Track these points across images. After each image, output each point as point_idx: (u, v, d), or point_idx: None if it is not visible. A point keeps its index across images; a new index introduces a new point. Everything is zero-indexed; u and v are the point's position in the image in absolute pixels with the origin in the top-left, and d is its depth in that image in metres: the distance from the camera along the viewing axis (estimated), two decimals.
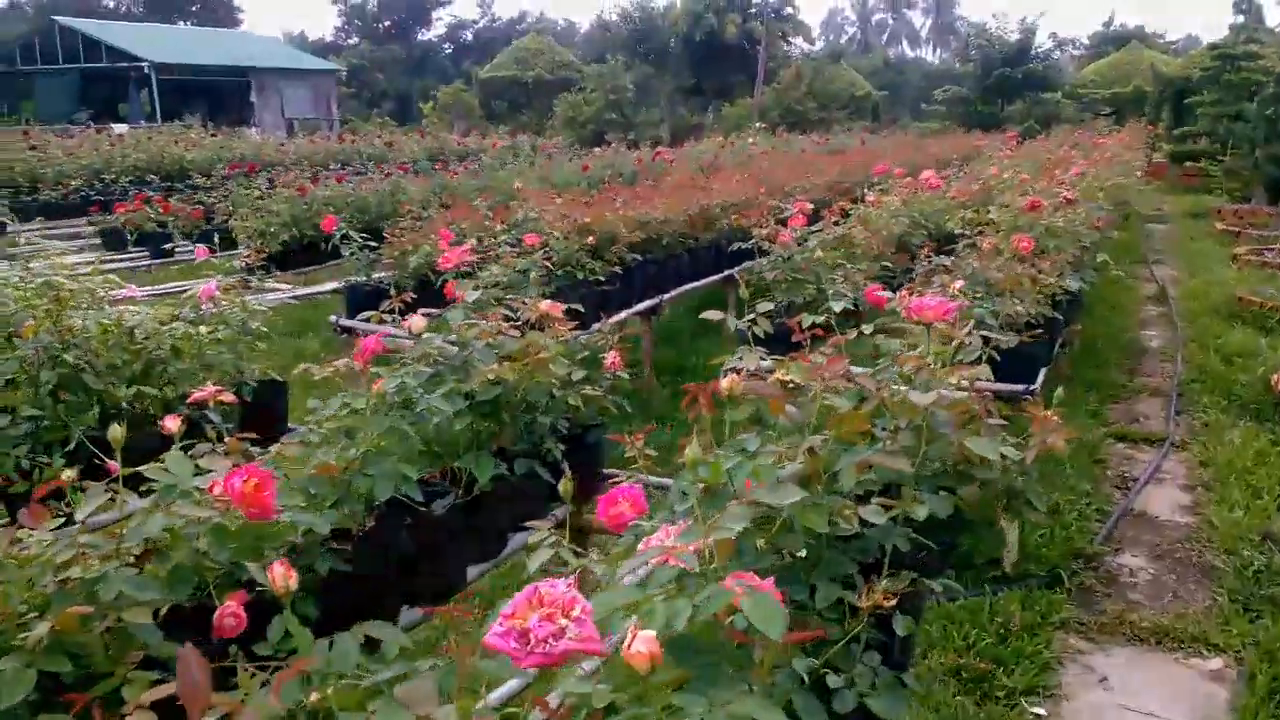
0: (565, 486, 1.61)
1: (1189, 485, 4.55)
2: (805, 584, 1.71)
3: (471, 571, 2.62)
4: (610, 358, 2.89)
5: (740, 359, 2.22)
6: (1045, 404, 2.36)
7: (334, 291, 6.35)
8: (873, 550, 1.90)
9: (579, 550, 1.66)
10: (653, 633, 1.03)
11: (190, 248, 7.53)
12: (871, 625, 1.75)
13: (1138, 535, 4.04)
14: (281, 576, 1.34)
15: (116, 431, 1.69)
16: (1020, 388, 3.74)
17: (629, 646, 1.02)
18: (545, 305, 2.70)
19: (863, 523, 1.84)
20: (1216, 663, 3.10)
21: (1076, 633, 3.29)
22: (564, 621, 0.96)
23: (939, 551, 2.11)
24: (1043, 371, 4.24)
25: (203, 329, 3.11)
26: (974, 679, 2.98)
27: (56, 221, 10.74)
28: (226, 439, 2.21)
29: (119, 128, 22.55)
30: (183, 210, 8.68)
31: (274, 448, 2.29)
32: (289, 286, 7.13)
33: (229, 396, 2.39)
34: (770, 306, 2.61)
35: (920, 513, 1.82)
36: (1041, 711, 2.86)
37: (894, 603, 1.53)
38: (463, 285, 2.96)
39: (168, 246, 8.17)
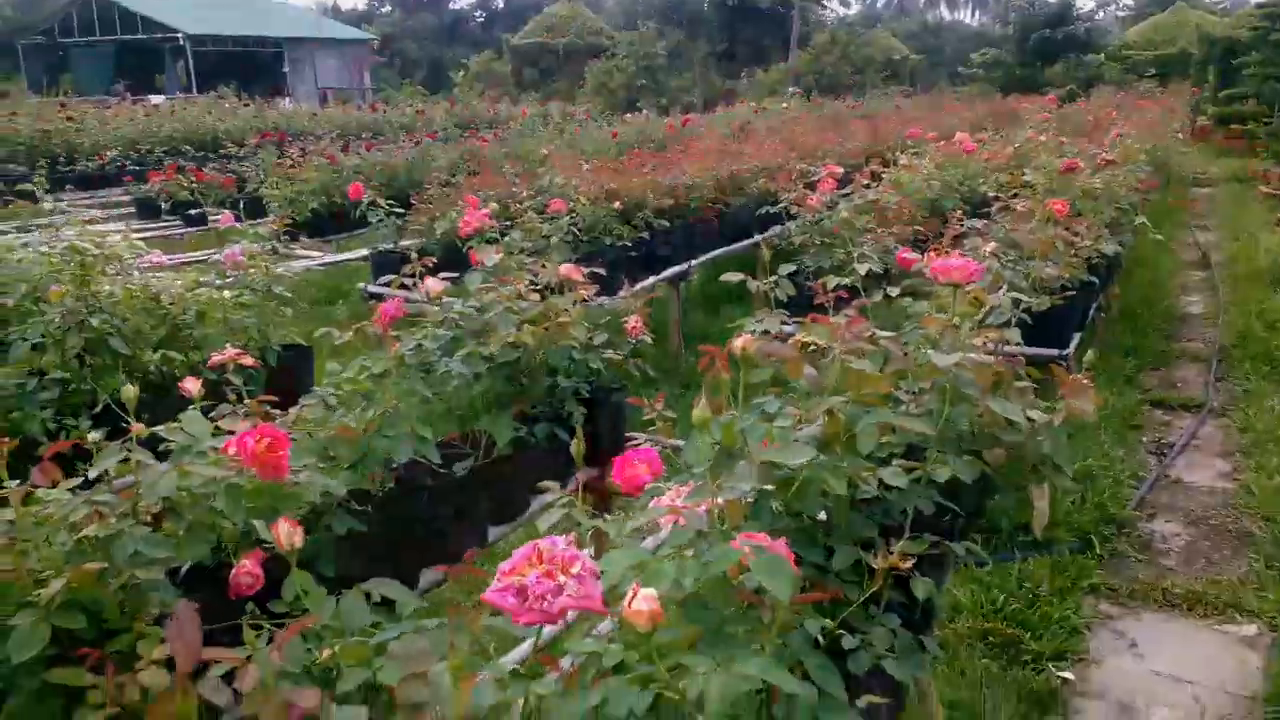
0: (577, 447, 1.59)
1: (1227, 452, 4.46)
2: (823, 548, 1.69)
3: (493, 533, 2.62)
4: (632, 322, 2.86)
5: (761, 321, 2.19)
6: (1077, 369, 2.30)
7: (363, 259, 6.37)
8: (895, 514, 1.86)
9: (595, 512, 1.64)
10: (654, 591, 1.01)
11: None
12: (891, 588, 1.72)
13: (1173, 501, 3.97)
14: (286, 534, 1.33)
15: (130, 391, 1.70)
16: (1052, 352, 3.67)
17: (629, 604, 1.00)
18: (565, 269, 2.67)
19: (884, 486, 1.81)
20: (1250, 629, 3.04)
21: (1107, 598, 3.24)
22: (563, 579, 0.94)
23: (963, 516, 2.08)
24: (1076, 336, 4.16)
25: (226, 294, 3.12)
26: (1001, 644, 2.95)
27: (93, 192, 10.89)
28: (247, 401, 2.22)
29: (155, 99, 22.73)
30: (215, 179, 8.73)
31: (293, 410, 2.29)
32: (318, 254, 7.17)
33: (249, 360, 2.40)
34: (793, 268, 2.56)
35: (942, 475, 1.78)
36: (1069, 676, 2.83)
37: (911, 564, 1.49)
38: (484, 249, 2.94)
39: (193, 212, 8.21)
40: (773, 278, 2.42)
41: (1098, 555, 3.47)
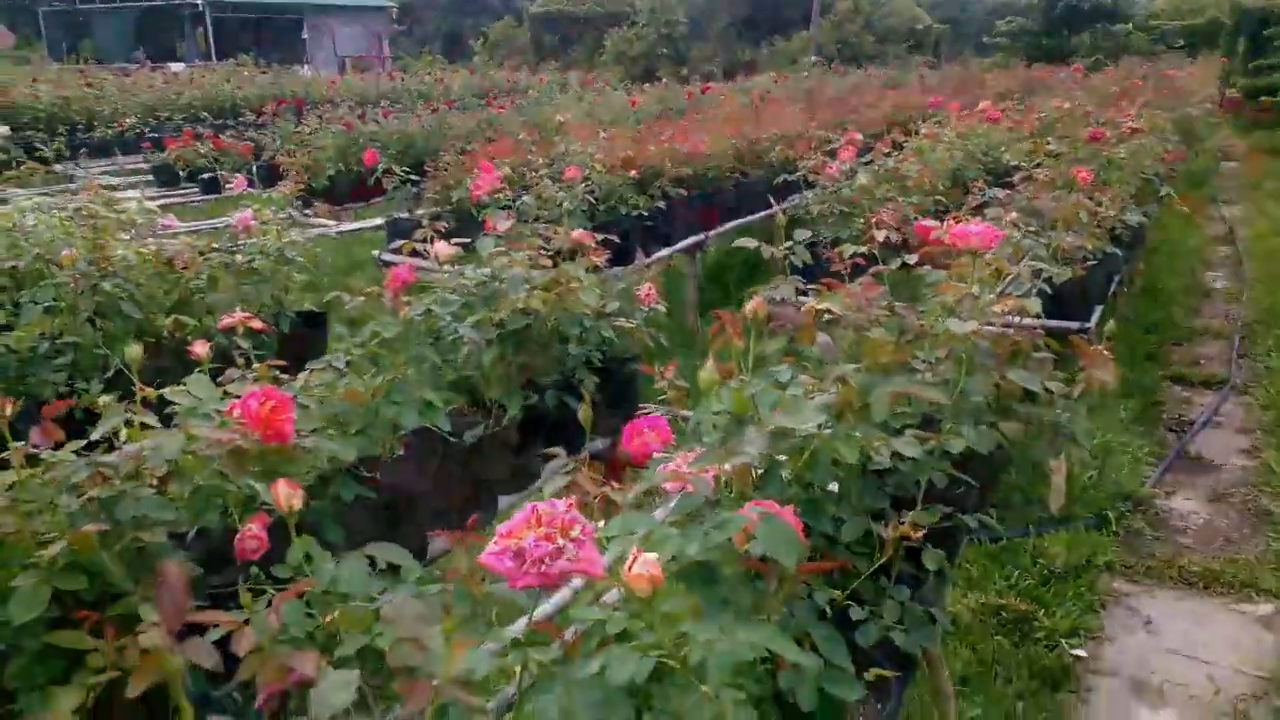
0: (585, 413, 1.57)
1: (1248, 429, 4.40)
2: (832, 518, 1.66)
3: (503, 502, 2.60)
4: (645, 289, 2.83)
5: (776, 289, 2.15)
6: (1098, 343, 2.26)
7: (379, 228, 6.35)
8: (908, 486, 1.83)
9: (604, 481, 1.62)
10: (654, 556, 0.99)
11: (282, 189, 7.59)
12: (903, 560, 1.70)
13: (1192, 479, 3.92)
14: (285, 496, 1.32)
15: (134, 350, 1.68)
16: (1073, 325, 3.61)
17: (630, 569, 0.98)
18: (577, 234, 2.64)
19: (897, 456, 1.77)
20: (1267, 608, 3.00)
21: (1122, 575, 3.21)
22: (562, 542, 0.92)
23: (977, 489, 2.04)
24: (1098, 310, 4.10)
25: (238, 258, 3.10)
26: (1014, 619, 2.92)
27: (112, 159, 10.90)
28: (255, 366, 2.21)
29: (175, 66, 22.71)
30: (232, 146, 8.71)
31: (302, 375, 2.28)
32: (335, 223, 7.15)
33: (258, 324, 2.38)
34: (809, 235, 2.52)
35: (957, 446, 1.75)
36: (1082, 653, 2.80)
37: (922, 534, 1.47)
38: (497, 215, 2.91)
39: (206, 177, 8.20)
40: (788, 244, 2.38)
41: (1113, 532, 3.43)
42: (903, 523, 1.49)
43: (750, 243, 2.39)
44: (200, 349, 2.14)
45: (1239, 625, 2.94)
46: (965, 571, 3.10)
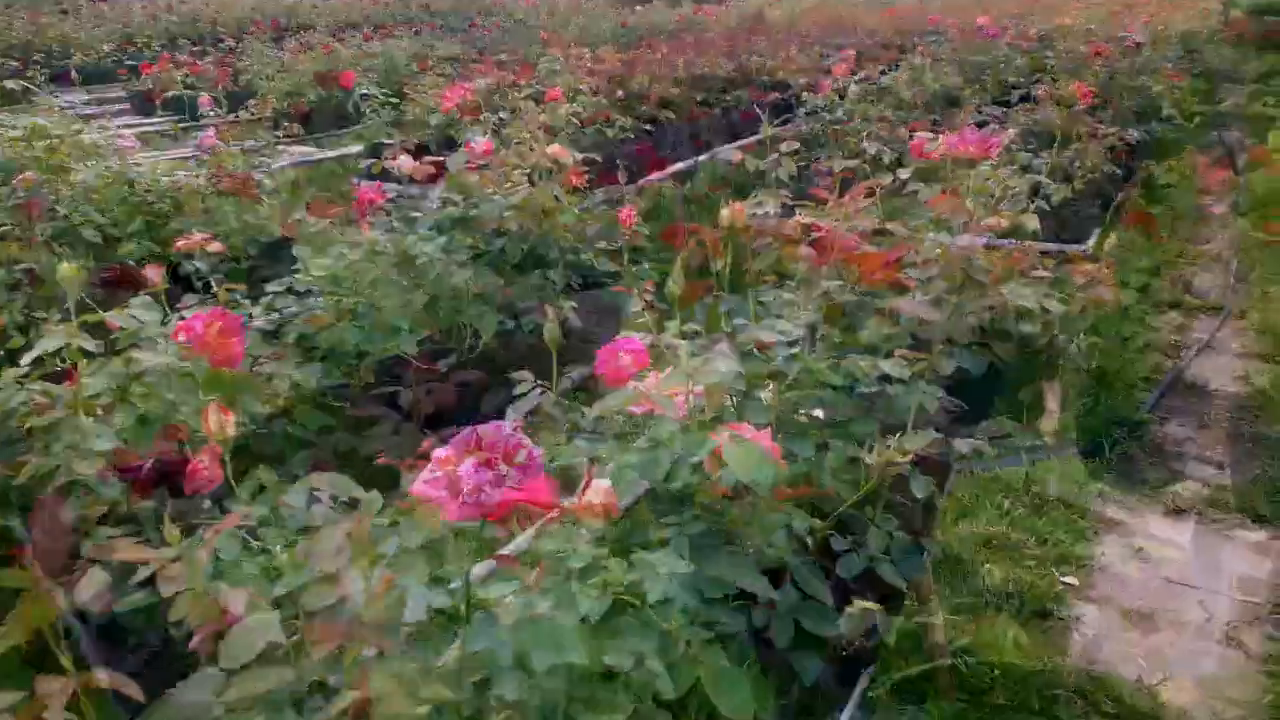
0: (550, 332, 1.47)
1: (1244, 354, 4.32)
2: (815, 444, 1.57)
3: None
4: (625, 212, 2.71)
5: (759, 203, 2.04)
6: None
7: (357, 156, 6.17)
8: (898, 411, 1.74)
9: (569, 405, 1.53)
10: (607, 483, 0.89)
11: (216, 111, 7.35)
12: (891, 489, 1.62)
13: (1187, 404, 3.84)
14: (217, 422, 1.22)
15: (66, 270, 1.57)
16: (1072, 246, 3.51)
17: (582, 497, 0.89)
18: (555, 149, 2.51)
19: (885, 379, 1.69)
20: (1261, 535, 2.95)
21: (1115, 503, 3.15)
22: (504, 468, 0.83)
23: (969, 416, 1.96)
24: (1096, 233, 3.99)
25: (200, 180, 2.97)
26: (1004, 547, 2.87)
27: (89, 88, 10.60)
28: (215, 291, 2.11)
29: None
30: (208, 72, 8.45)
31: (264, 299, 2.18)
32: (315, 150, 6.96)
33: (217, 245, 2.27)
34: (796, 146, 2.39)
35: (947, 367, 1.66)
36: (1073, 581, 2.75)
37: (908, 458, 1.38)
38: (472, 132, 2.78)
39: (187, 104, 7.94)
40: (773, 155, 2.25)
41: (1108, 459, 3.37)
42: (889, 447, 1.40)
43: (736, 155, 2.26)
44: (154, 273, 2.03)
45: (1232, 552, 2.88)
46: (956, 500, 3.04)
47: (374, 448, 2.12)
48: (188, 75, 8.48)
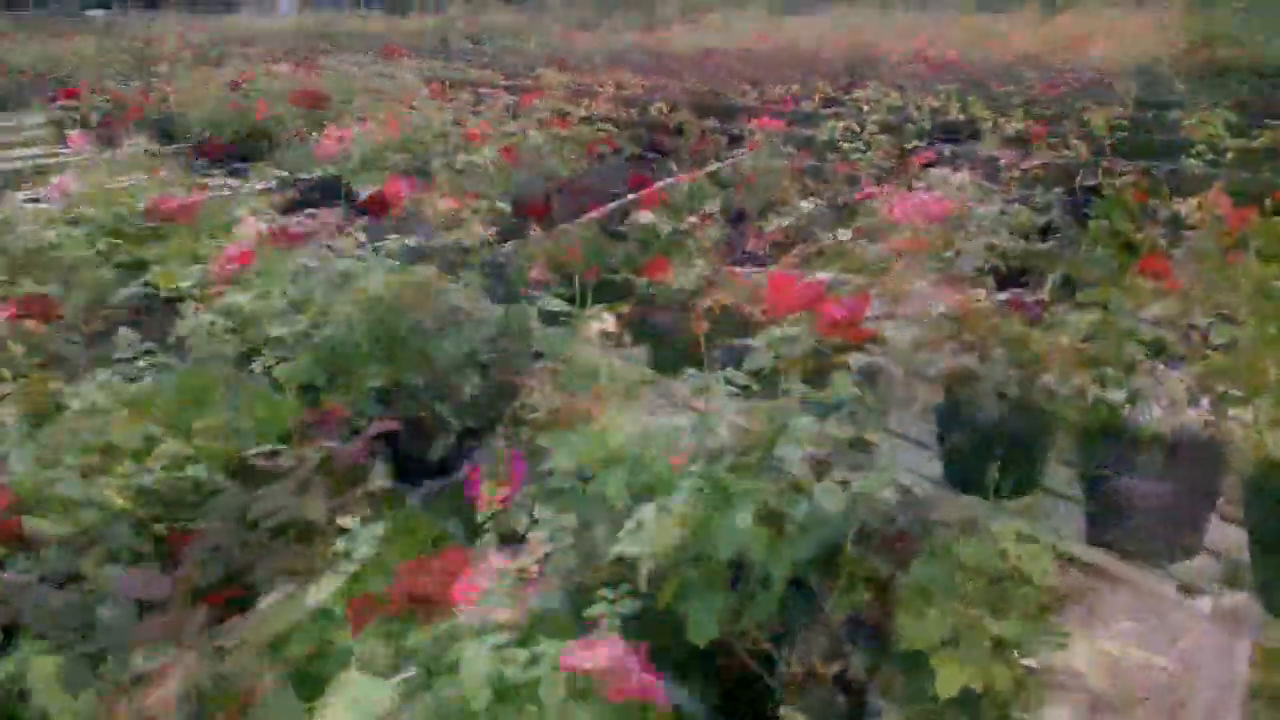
0: None
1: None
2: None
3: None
4: (535, 269, 2.38)
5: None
6: None
7: (265, 190, 5.81)
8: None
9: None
10: None
11: (137, 143, 6.92)
12: None
13: None
14: None
15: None
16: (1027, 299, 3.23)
17: None
18: (448, 203, 2.16)
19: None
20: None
21: None
22: None
23: None
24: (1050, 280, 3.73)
25: (52, 234, 2.57)
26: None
27: (10, 114, 10.08)
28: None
29: (95, 13, 21.46)
30: (127, 98, 8.01)
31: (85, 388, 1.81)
32: (237, 182, 6.57)
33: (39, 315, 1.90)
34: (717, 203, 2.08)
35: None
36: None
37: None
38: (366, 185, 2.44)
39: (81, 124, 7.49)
40: (692, 218, 1.93)
41: None
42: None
43: (648, 217, 1.94)
44: None
45: None
46: None
47: None
48: (108, 100, 8.04)
